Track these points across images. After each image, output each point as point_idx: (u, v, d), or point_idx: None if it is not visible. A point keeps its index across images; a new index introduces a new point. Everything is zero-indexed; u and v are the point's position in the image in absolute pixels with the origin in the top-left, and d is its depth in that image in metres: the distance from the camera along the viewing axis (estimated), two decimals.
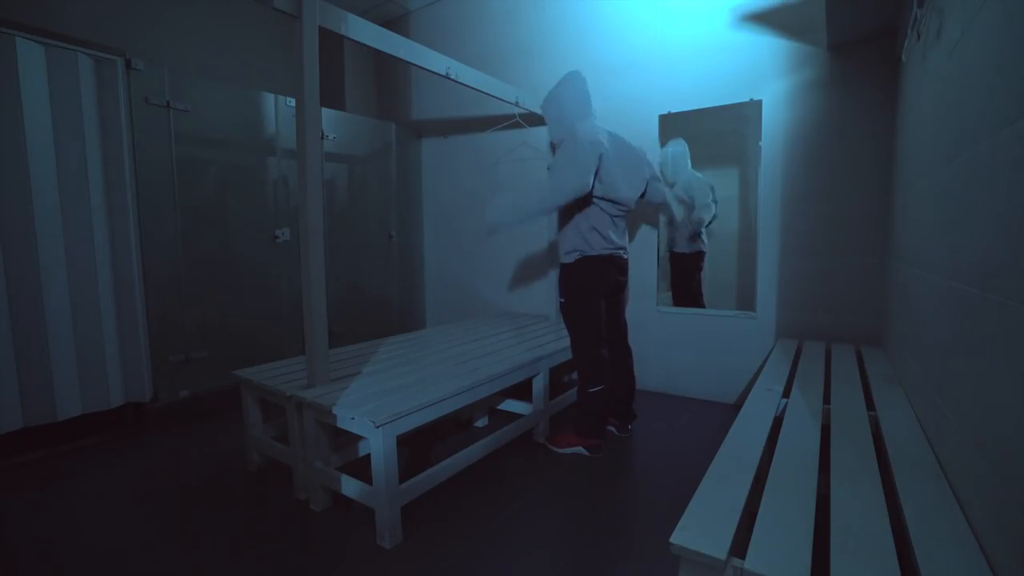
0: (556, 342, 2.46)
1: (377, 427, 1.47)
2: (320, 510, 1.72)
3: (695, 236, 3.11)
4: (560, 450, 2.18)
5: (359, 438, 1.90)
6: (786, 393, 1.71)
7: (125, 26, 2.82)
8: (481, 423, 2.48)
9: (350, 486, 1.62)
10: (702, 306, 3.05)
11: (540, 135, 3.22)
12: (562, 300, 2.18)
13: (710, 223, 3.10)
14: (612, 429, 2.36)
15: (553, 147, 2.28)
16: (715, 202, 3.10)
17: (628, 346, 2.39)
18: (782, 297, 2.59)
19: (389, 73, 4.05)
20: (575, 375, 2.96)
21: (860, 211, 2.37)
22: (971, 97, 1.07)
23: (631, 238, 2.99)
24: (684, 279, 3.17)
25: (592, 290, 2.13)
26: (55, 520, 1.69)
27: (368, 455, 1.57)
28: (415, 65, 2.16)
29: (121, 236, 2.29)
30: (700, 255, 3.15)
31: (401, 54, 2.07)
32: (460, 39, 3.58)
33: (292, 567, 1.44)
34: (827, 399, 1.64)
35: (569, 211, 2.12)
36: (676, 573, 0.90)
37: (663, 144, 2.93)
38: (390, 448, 1.52)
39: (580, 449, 2.15)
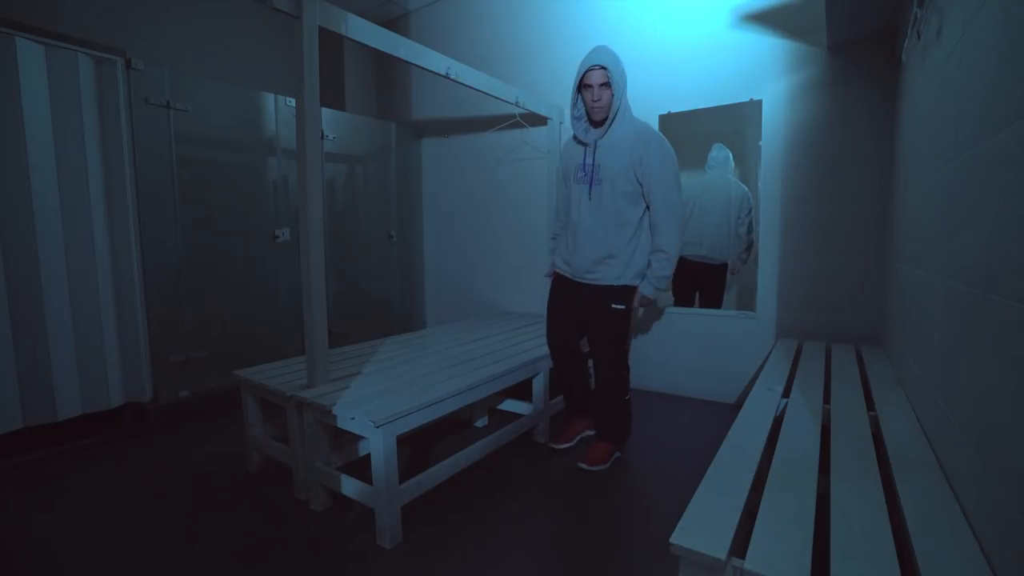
0: None
1: (377, 427, 1.47)
2: (320, 510, 1.72)
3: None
4: (602, 466, 2.02)
5: (359, 438, 1.90)
6: (786, 393, 1.71)
7: (125, 26, 2.82)
8: (481, 423, 2.48)
9: (350, 486, 1.62)
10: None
11: (540, 135, 3.22)
12: (622, 307, 1.96)
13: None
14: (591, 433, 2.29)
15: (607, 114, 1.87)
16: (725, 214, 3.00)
17: None
18: (782, 297, 2.59)
19: (389, 73, 4.05)
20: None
21: (860, 211, 2.37)
22: (970, 97, 1.07)
23: None
24: (683, 286, 3.17)
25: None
26: (55, 520, 1.69)
27: (368, 455, 1.57)
28: (415, 65, 2.16)
29: (121, 236, 2.29)
30: (702, 265, 3.11)
31: (401, 54, 2.07)
32: (460, 39, 3.58)
33: (292, 567, 1.44)
34: (827, 399, 1.64)
35: (638, 224, 1.93)
36: (676, 573, 0.90)
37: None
38: (390, 448, 1.52)
39: (617, 454, 2.11)
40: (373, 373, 1.94)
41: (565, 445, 2.19)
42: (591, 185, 1.91)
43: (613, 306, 1.96)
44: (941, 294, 1.24)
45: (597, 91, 1.80)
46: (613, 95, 1.81)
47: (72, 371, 2.16)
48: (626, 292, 1.97)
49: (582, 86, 1.84)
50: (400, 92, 4.01)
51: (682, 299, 3.14)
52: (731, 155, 3.03)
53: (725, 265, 3.07)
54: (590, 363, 2.43)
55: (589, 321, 2.04)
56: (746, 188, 3.00)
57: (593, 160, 1.90)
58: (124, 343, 2.32)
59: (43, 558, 1.49)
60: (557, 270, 2.11)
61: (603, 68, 1.78)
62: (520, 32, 3.32)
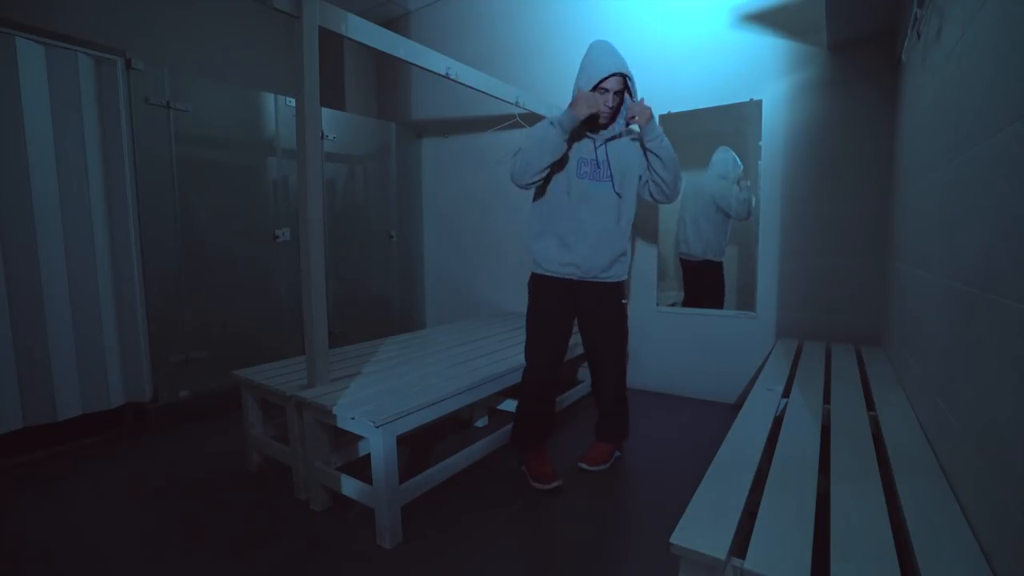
0: None
1: (377, 427, 1.47)
2: (320, 510, 1.72)
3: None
4: (602, 466, 2.01)
5: (359, 438, 1.90)
6: (786, 393, 1.71)
7: (125, 26, 2.82)
8: (481, 423, 2.48)
9: (350, 486, 1.62)
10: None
11: None
12: (625, 302, 2.07)
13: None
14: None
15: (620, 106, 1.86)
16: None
17: None
18: (782, 297, 2.59)
19: (389, 73, 4.05)
20: (578, 377, 2.96)
21: (860, 211, 2.37)
22: (970, 97, 1.07)
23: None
24: (684, 286, 3.19)
25: None
26: (55, 520, 1.69)
27: (368, 455, 1.57)
28: (415, 65, 2.16)
29: (121, 236, 2.29)
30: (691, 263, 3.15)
31: (401, 54, 2.07)
32: (460, 39, 3.58)
33: (292, 567, 1.44)
34: (827, 399, 1.64)
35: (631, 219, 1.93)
36: (676, 573, 0.90)
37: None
38: (390, 448, 1.52)
39: (617, 454, 2.09)
40: (373, 373, 1.94)
41: (556, 484, 1.86)
42: (612, 182, 1.86)
43: (622, 301, 1.97)
44: (941, 294, 1.24)
45: (612, 97, 1.77)
46: (623, 101, 1.83)
47: (72, 371, 2.16)
48: (623, 287, 2.00)
49: (596, 86, 1.77)
50: (400, 92, 4.01)
51: (686, 299, 3.15)
52: (735, 158, 2.99)
53: (711, 263, 3.09)
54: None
55: (595, 321, 1.95)
56: (740, 194, 2.99)
57: (607, 157, 1.85)
58: (124, 343, 2.32)
59: (43, 558, 1.49)
60: (550, 273, 1.91)
61: (624, 77, 1.78)
62: (520, 32, 3.32)
